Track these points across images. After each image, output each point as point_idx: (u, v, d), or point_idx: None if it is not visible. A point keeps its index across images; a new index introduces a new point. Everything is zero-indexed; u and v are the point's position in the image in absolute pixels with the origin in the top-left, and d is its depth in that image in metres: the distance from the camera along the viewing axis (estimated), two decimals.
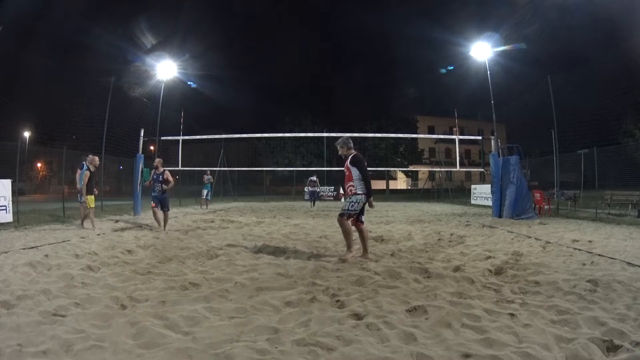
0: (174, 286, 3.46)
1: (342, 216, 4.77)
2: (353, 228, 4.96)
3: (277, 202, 22.96)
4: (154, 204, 7.88)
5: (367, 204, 4.92)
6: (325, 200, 24.13)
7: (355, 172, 4.85)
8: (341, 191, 22.98)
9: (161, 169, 7.95)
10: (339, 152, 5.08)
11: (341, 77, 65.20)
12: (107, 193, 18.49)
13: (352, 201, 4.79)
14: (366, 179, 4.83)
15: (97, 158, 8.29)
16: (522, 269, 4.05)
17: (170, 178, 7.94)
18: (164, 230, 7.63)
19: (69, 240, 6.10)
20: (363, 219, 5.02)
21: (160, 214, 7.91)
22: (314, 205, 18.16)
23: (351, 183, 4.85)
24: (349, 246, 4.78)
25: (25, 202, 10.26)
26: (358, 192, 4.80)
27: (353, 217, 4.86)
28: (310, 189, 18.74)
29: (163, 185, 7.85)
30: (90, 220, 8.03)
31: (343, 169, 5.03)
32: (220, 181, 24.39)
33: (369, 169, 4.73)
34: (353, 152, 5.00)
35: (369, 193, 4.82)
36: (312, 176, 18.68)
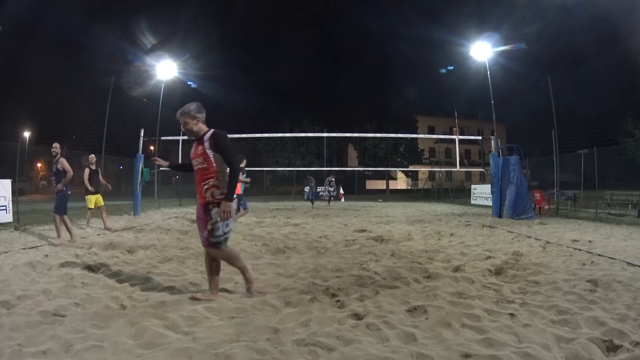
0: (174, 286, 3.46)
1: (219, 246, 3.05)
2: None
3: (277, 202, 22.96)
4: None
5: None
6: (324, 200, 24.12)
7: (219, 161, 3.05)
8: (341, 190, 23.02)
9: (59, 154, 6.08)
10: (183, 127, 3.17)
11: (341, 77, 65.22)
12: (107, 193, 18.48)
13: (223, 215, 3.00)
14: (236, 171, 3.06)
15: (93, 156, 8.11)
16: (522, 269, 4.05)
17: (67, 167, 5.91)
18: (71, 239, 5.92)
19: (69, 240, 6.09)
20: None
21: (59, 220, 6.01)
22: (328, 204, 19.12)
23: (211, 181, 3.03)
24: (248, 279, 3.24)
25: (25, 202, 10.25)
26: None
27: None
28: (329, 188, 19.67)
29: (54, 180, 6.05)
30: (87, 218, 8.01)
31: (197, 158, 3.09)
32: None
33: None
34: (206, 127, 3.18)
35: (230, 195, 3.00)
36: (329, 176, 19.84)
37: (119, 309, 2.84)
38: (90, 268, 4.08)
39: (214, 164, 3.03)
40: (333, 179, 19.45)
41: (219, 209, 2.98)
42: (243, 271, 3.24)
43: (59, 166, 5.90)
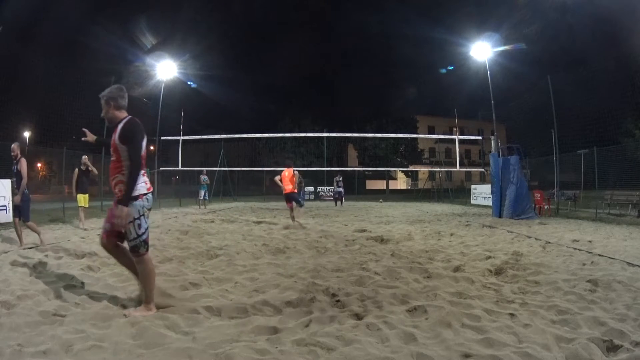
0: (174, 286, 3.46)
1: (138, 251, 2.74)
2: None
3: (277, 202, 22.95)
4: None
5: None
6: (325, 200, 24.15)
7: (125, 156, 2.72)
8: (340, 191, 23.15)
9: (19, 155, 5.56)
10: (102, 114, 2.86)
11: (341, 77, 65.14)
12: (107, 193, 18.50)
13: (134, 217, 2.70)
14: (135, 167, 2.69)
15: (85, 156, 8.25)
16: (522, 269, 4.05)
17: (24, 171, 5.47)
18: (20, 245, 5.46)
19: (69, 240, 6.10)
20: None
21: (24, 225, 5.63)
22: (339, 204, 18.94)
23: (119, 176, 2.74)
24: (149, 298, 2.76)
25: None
26: (135, 194, 2.70)
27: (148, 245, 2.80)
28: (337, 188, 19.61)
29: (15, 182, 5.61)
30: (80, 219, 8.13)
31: (111, 149, 2.80)
32: (220, 181, 24.39)
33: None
34: (126, 114, 2.87)
35: (126, 198, 2.64)
36: (336, 176, 19.92)
37: (119, 309, 2.84)
38: (90, 268, 4.08)
39: (122, 158, 2.72)
40: (341, 179, 19.38)
41: (133, 204, 2.69)
42: (148, 292, 2.76)
43: (19, 167, 5.49)
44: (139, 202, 2.72)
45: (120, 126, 2.76)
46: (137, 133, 2.74)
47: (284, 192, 8.89)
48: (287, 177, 8.83)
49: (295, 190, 9.01)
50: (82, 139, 3.24)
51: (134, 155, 2.69)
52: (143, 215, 2.75)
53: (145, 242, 2.76)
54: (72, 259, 4.54)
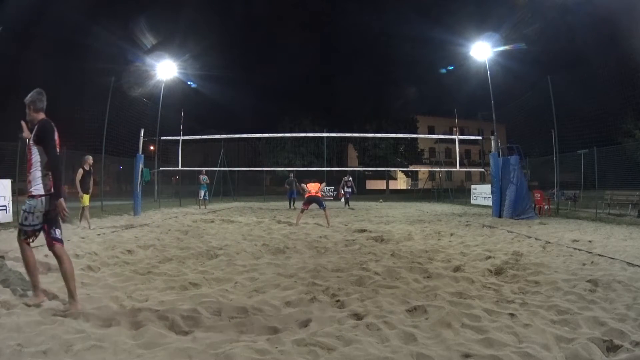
0: (174, 286, 3.47)
1: (19, 235, 2.92)
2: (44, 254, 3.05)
3: (277, 202, 22.95)
4: None
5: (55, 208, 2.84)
6: (325, 199, 24.09)
7: (37, 154, 2.88)
8: (342, 191, 23.03)
9: None
10: (27, 118, 3.04)
11: (341, 77, 65.09)
12: (107, 193, 18.51)
13: (25, 210, 2.87)
14: (54, 162, 2.86)
15: (91, 157, 8.34)
16: (522, 269, 4.06)
17: None
18: None
19: (69, 240, 6.09)
20: (58, 234, 2.93)
21: None
22: (346, 205, 18.42)
23: (29, 175, 2.88)
24: (34, 285, 2.96)
25: (25, 202, 10.22)
26: (33, 193, 2.83)
27: (34, 235, 2.92)
28: (346, 189, 19.01)
29: None
30: (86, 218, 8.14)
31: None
32: (220, 181, 24.38)
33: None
34: (43, 116, 2.99)
35: (58, 191, 2.84)
36: (345, 176, 19.07)
37: (119, 308, 2.84)
38: (90, 268, 4.08)
39: (33, 157, 2.89)
40: (350, 179, 18.60)
41: (28, 200, 2.86)
42: (32, 281, 2.97)
43: None
44: (32, 201, 2.86)
45: (37, 126, 2.93)
46: (49, 132, 2.90)
47: (306, 195, 9.68)
48: (313, 185, 9.75)
49: (320, 195, 9.71)
50: (19, 135, 3.31)
51: (50, 151, 2.86)
52: (32, 213, 2.85)
53: (26, 233, 2.88)
54: (72, 259, 4.52)
